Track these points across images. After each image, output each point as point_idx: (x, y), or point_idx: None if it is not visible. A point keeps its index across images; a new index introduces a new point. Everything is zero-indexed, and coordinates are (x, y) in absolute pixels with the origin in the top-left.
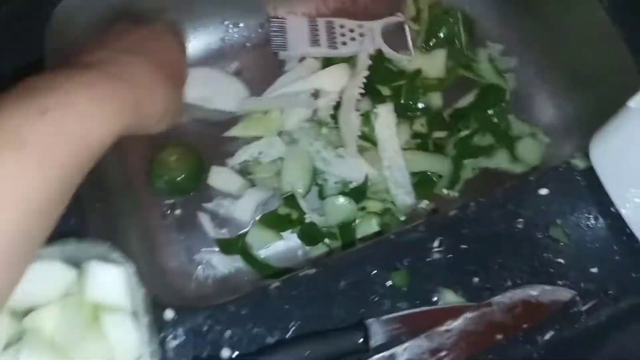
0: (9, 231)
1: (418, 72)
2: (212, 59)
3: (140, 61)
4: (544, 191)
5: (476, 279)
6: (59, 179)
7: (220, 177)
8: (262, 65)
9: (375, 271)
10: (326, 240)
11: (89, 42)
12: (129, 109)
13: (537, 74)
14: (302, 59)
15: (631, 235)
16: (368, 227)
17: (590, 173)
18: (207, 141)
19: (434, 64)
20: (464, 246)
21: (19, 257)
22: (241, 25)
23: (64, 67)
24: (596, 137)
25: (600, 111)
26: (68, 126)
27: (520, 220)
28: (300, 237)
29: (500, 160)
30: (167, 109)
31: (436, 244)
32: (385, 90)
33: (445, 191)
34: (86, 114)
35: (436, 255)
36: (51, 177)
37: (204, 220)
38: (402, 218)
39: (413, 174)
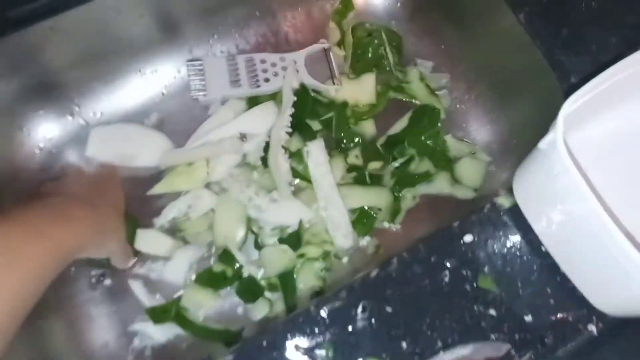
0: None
1: (345, 104)
2: (130, 113)
3: (103, 202)
4: (468, 238)
5: (404, 344)
6: (61, 263)
7: (148, 241)
8: (183, 113)
9: (299, 346)
10: (267, 294)
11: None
12: (99, 230)
13: (468, 89)
14: (225, 101)
15: (564, 275)
16: (310, 274)
17: (516, 211)
18: (132, 201)
19: (363, 89)
20: (389, 309)
21: None
22: (157, 71)
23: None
24: (517, 174)
25: (530, 122)
26: (72, 230)
27: (446, 272)
28: (238, 294)
29: (441, 185)
30: (120, 239)
31: (359, 310)
32: (315, 125)
33: (386, 225)
34: (80, 225)
35: (360, 323)
36: (58, 260)
37: (136, 287)
38: (345, 260)
39: (352, 210)
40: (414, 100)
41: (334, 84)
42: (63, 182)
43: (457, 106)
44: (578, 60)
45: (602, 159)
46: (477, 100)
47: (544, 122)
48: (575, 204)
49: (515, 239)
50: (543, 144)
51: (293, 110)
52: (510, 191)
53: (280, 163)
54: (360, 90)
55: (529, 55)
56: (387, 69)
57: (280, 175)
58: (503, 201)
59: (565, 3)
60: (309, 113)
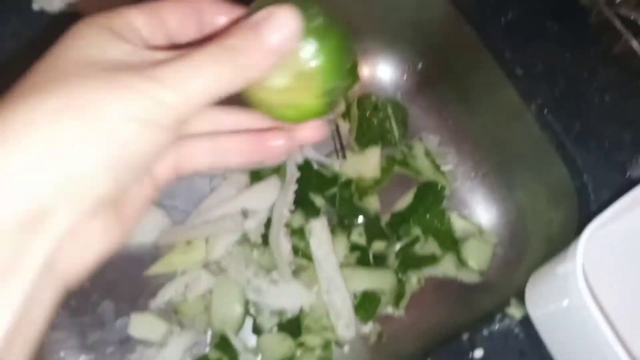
0: None
1: (349, 181)
2: None
3: None
4: (479, 353)
5: None
6: None
7: (142, 326)
8: (183, 187)
9: None
10: None
11: None
12: None
13: (475, 167)
14: (226, 174)
15: None
16: None
17: (528, 323)
18: (127, 281)
19: (368, 163)
20: None
21: None
22: None
23: None
24: (529, 287)
25: (538, 207)
26: None
27: None
28: None
29: (446, 268)
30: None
31: None
32: (319, 200)
33: (390, 310)
34: None
35: None
36: None
37: None
38: (346, 348)
39: (355, 293)
40: (419, 176)
41: (338, 157)
42: None
43: (463, 184)
44: (591, 157)
45: (618, 270)
46: (484, 178)
47: (553, 210)
48: (590, 335)
49: (528, 354)
50: (561, 268)
51: (296, 186)
52: (521, 299)
53: (282, 243)
54: (364, 164)
55: (540, 145)
56: (393, 142)
57: (280, 256)
58: (514, 312)
59: (579, 97)
60: (313, 188)
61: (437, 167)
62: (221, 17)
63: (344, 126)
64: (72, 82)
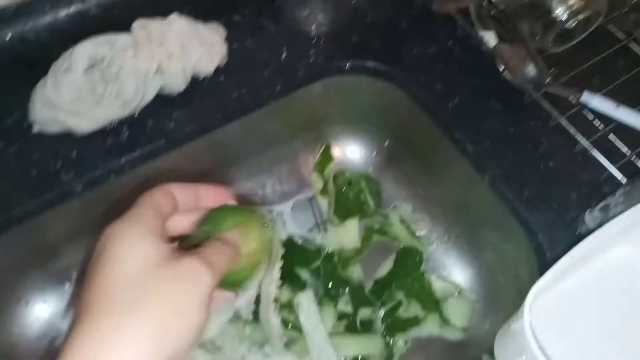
0: None
1: (332, 253)
2: None
3: (96, 328)
4: None
5: None
6: None
7: None
8: None
9: None
10: None
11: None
12: None
13: (447, 230)
14: None
15: None
16: None
17: None
18: None
19: (348, 235)
20: None
21: None
22: None
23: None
24: (497, 342)
25: (507, 264)
26: None
27: None
28: None
29: (430, 328)
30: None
31: None
32: (304, 273)
33: None
34: None
35: None
36: None
37: None
38: None
39: None
40: (397, 242)
41: (319, 231)
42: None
43: (439, 247)
44: (543, 218)
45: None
46: (457, 240)
47: (519, 266)
48: None
49: None
50: (515, 326)
51: (282, 263)
52: (492, 355)
53: (271, 318)
54: (345, 236)
55: (498, 210)
56: (369, 213)
57: (271, 331)
58: None
59: (526, 166)
60: (298, 263)
61: (412, 233)
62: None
63: (323, 202)
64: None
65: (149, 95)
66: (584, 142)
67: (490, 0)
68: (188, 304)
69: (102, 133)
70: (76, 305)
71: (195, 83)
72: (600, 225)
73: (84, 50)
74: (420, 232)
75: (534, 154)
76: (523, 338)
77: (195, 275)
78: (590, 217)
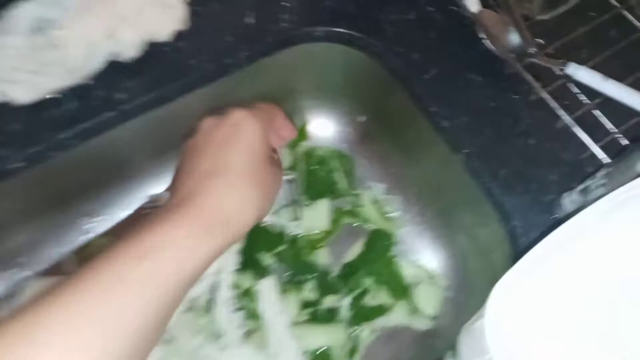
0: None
1: (296, 237)
2: None
3: (227, 182)
4: None
5: None
6: (155, 310)
7: None
8: None
9: None
10: None
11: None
12: (219, 237)
13: (420, 212)
14: None
15: None
16: None
17: None
18: None
19: (318, 216)
20: None
21: None
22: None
23: (161, 208)
24: (459, 340)
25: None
26: (163, 266)
27: None
28: None
29: (398, 316)
30: (259, 217)
31: None
32: (267, 259)
33: None
34: (180, 252)
35: None
36: (148, 310)
37: None
38: None
39: (308, 352)
40: (368, 225)
41: (291, 219)
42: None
43: (411, 230)
44: (518, 200)
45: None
46: (430, 223)
47: (493, 252)
48: None
49: None
50: (480, 324)
51: (241, 246)
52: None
53: (228, 307)
54: (314, 217)
55: (472, 191)
56: (341, 194)
57: (228, 321)
58: None
59: (504, 143)
60: (260, 247)
61: (384, 215)
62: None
63: (292, 179)
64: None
65: (99, 62)
66: (566, 118)
67: None
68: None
69: (46, 103)
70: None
71: (152, 49)
72: (579, 209)
73: (26, 11)
74: (393, 214)
75: (513, 130)
76: (485, 338)
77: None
78: (568, 199)
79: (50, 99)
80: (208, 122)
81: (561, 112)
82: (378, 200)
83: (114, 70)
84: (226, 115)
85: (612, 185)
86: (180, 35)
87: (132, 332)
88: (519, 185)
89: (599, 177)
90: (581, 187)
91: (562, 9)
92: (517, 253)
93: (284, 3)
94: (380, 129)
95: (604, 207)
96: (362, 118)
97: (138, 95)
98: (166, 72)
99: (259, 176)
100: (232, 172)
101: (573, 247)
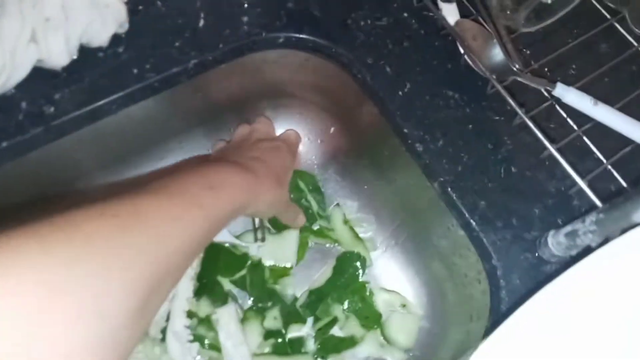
0: (179, 252)
1: (260, 263)
2: None
3: (262, 167)
4: None
5: None
6: (213, 229)
7: None
8: None
9: None
10: None
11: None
12: (252, 195)
13: (394, 234)
14: None
15: None
16: None
17: None
18: None
19: (284, 248)
20: None
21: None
22: None
23: (220, 161)
24: None
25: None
26: (224, 197)
27: None
28: None
29: (370, 348)
30: (273, 202)
31: None
32: (227, 284)
33: None
34: (234, 191)
35: None
36: (210, 228)
37: None
38: None
39: None
40: (337, 246)
41: (255, 240)
42: (232, 146)
43: (384, 252)
44: (498, 237)
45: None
46: (404, 246)
47: (470, 286)
48: None
49: None
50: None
51: (198, 269)
52: None
53: (183, 336)
54: (281, 248)
55: (449, 221)
56: (313, 218)
57: (183, 352)
58: None
59: (482, 171)
60: (220, 271)
61: (356, 236)
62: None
63: None
64: None
65: (22, 71)
66: (552, 145)
67: None
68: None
69: None
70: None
71: (86, 55)
72: (565, 252)
73: None
74: (365, 234)
75: (494, 156)
76: None
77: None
78: (554, 240)
79: None
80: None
81: (548, 138)
82: (349, 220)
83: (43, 79)
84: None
85: (603, 233)
86: (119, 39)
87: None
88: (499, 219)
89: (589, 222)
90: (568, 229)
91: (549, 21)
92: (496, 294)
93: (241, 3)
94: (352, 142)
95: (596, 262)
96: (332, 129)
97: (69, 109)
98: (102, 82)
99: (280, 181)
100: (268, 167)
101: (564, 310)
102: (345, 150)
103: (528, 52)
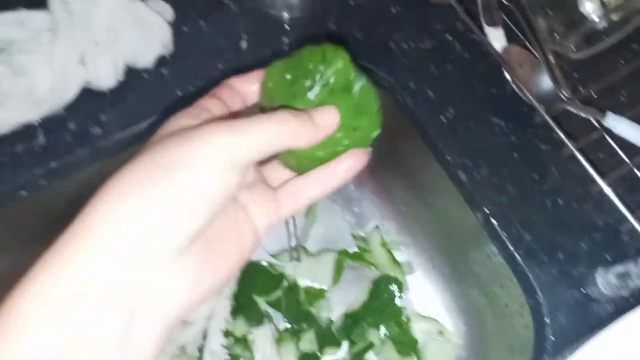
0: None
1: (296, 285)
2: None
3: None
4: None
5: None
6: None
7: None
8: None
9: None
10: None
11: None
12: None
13: (432, 257)
14: None
15: None
16: None
17: None
18: None
19: (321, 269)
20: None
21: None
22: None
23: None
24: None
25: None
26: None
27: None
28: None
29: None
30: None
31: None
32: (263, 304)
33: None
34: None
35: None
36: None
37: None
38: None
39: None
40: (374, 269)
41: (291, 259)
42: None
43: (422, 277)
44: (544, 272)
45: None
46: (441, 270)
47: (512, 317)
48: None
49: None
50: None
51: (235, 288)
52: None
53: (219, 355)
54: (317, 269)
55: (491, 251)
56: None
57: None
58: None
59: (528, 202)
60: (256, 290)
61: (393, 259)
62: (252, 86)
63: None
64: (161, 146)
65: (71, 92)
66: (602, 179)
67: None
68: None
69: (9, 139)
70: None
71: (132, 76)
72: (615, 293)
73: None
74: (401, 258)
75: (540, 187)
76: None
77: None
78: (604, 280)
79: (15, 134)
80: None
81: (596, 172)
82: (386, 242)
83: (90, 100)
84: None
85: None
86: (163, 60)
87: None
88: (545, 253)
89: None
90: (620, 269)
91: (600, 47)
92: (540, 330)
93: (283, 24)
94: (390, 163)
95: None
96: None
97: (115, 130)
98: (147, 103)
99: None
100: None
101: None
102: (381, 170)
103: (576, 75)
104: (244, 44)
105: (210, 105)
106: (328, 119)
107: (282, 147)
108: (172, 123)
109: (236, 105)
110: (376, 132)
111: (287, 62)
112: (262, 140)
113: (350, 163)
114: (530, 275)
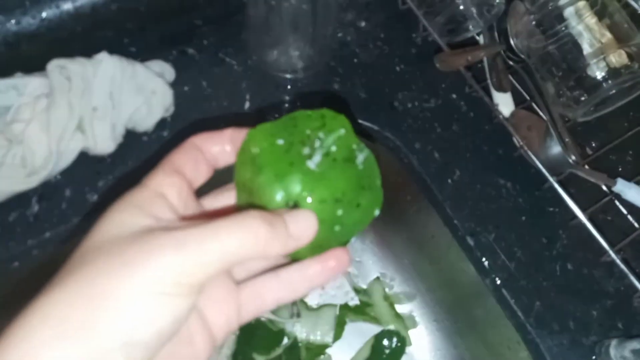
0: None
1: (296, 343)
2: None
3: None
4: None
5: None
6: None
7: None
8: None
9: None
10: None
11: None
12: None
13: (435, 312)
14: None
15: None
16: None
17: None
18: None
19: (321, 324)
20: None
21: None
22: None
23: None
24: None
25: None
26: None
27: None
28: None
29: None
30: None
31: None
32: None
33: None
34: None
35: None
36: None
37: None
38: None
39: None
40: (376, 323)
41: (291, 315)
42: None
43: (425, 330)
44: (555, 342)
45: None
46: (444, 325)
47: None
48: None
49: None
50: None
51: (234, 347)
52: None
53: None
54: (317, 325)
55: (499, 319)
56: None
57: None
58: None
59: (537, 268)
60: (256, 347)
61: (396, 313)
62: (224, 146)
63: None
64: (88, 268)
65: (67, 159)
66: (612, 248)
67: (510, 48)
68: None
69: (2, 208)
70: None
71: (131, 139)
72: None
73: None
74: (404, 311)
75: (549, 252)
76: None
77: None
78: (617, 352)
79: (8, 202)
80: None
81: (605, 240)
82: (389, 295)
83: (87, 165)
84: None
85: None
86: (165, 122)
87: None
88: (555, 322)
89: None
90: (635, 345)
91: (606, 110)
92: None
93: (285, 84)
94: (394, 219)
95: None
96: None
97: (112, 197)
98: (146, 168)
99: None
100: None
101: None
102: (386, 226)
103: (581, 131)
104: (246, 105)
105: (165, 185)
106: (304, 228)
107: (247, 259)
108: (110, 218)
109: (201, 177)
110: (377, 211)
111: (275, 126)
112: (222, 255)
113: (331, 264)
114: (541, 346)
